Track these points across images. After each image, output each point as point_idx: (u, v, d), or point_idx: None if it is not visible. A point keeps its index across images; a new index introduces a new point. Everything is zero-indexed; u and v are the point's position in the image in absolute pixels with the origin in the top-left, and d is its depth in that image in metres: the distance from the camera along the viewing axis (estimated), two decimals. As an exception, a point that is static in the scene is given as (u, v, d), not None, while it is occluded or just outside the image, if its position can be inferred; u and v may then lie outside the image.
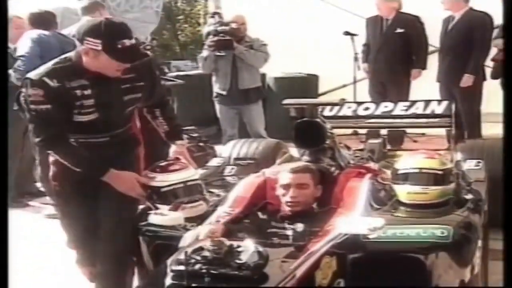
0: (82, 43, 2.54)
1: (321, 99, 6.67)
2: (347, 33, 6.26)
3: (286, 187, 2.74)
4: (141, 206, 2.82)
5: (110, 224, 2.70)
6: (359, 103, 4.62)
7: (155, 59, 5.33)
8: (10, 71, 4.55)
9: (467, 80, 5.50)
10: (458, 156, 3.79)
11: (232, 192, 2.96)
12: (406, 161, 2.94)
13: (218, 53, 5.44)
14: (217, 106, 5.70)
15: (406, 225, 2.47)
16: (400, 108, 4.38)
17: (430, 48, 6.08)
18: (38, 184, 5.26)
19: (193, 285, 1.95)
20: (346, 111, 4.40)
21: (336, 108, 4.35)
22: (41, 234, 4.26)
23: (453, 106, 4.29)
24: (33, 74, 2.60)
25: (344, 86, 7.03)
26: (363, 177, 3.02)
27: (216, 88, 5.62)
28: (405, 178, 2.83)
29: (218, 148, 4.87)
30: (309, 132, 3.23)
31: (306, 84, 7.26)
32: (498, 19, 5.09)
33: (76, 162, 2.64)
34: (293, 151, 3.63)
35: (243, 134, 5.64)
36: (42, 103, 2.54)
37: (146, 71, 2.78)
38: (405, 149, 4.84)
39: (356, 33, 6.27)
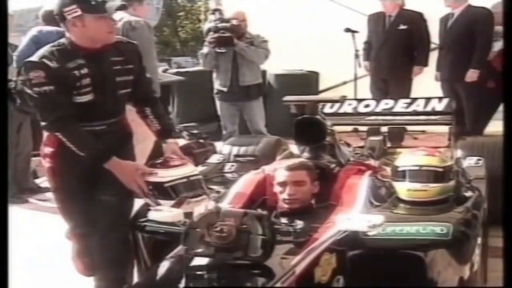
0: (64, 18, 2.59)
1: (322, 96, 6.66)
2: (348, 30, 6.25)
3: (283, 184, 2.74)
4: (140, 202, 2.83)
5: (109, 216, 2.71)
6: (360, 100, 4.63)
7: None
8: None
9: (471, 75, 5.47)
10: (459, 153, 3.78)
11: (232, 189, 2.96)
12: (406, 159, 2.94)
13: (219, 50, 5.44)
14: (218, 103, 5.69)
15: (406, 222, 2.47)
16: (400, 105, 4.39)
17: (432, 46, 6.07)
18: (37, 180, 5.27)
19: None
20: (346, 108, 4.41)
21: (337, 105, 4.35)
22: (41, 231, 4.26)
23: (454, 104, 4.29)
24: (32, 57, 2.62)
25: (345, 83, 7.02)
26: (363, 174, 3.02)
27: (217, 85, 5.61)
28: (405, 175, 2.83)
29: (218, 145, 4.87)
30: (309, 129, 3.23)
31: (307, 81, 7.26)
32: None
33: (82, 146, 2.65)
34: (294, 148, 3.62)
35: (244, 131, 5.64)
36: (45, 85, 2.56)
37: (134, 56, 2.83)
38: (405, 147, 4.84)
39: (357, 30, 6.25)
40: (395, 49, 5.91)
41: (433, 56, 5.94)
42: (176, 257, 2.30)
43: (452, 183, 2.85)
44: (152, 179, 2.71)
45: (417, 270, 2.34)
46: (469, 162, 3.53)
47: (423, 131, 6.21)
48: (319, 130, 3.25)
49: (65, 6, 2.57)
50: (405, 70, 5.94)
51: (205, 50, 5.55)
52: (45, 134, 2.81)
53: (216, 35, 5.41)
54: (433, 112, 4.28)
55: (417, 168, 2.83)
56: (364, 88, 6.19)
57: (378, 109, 4.40)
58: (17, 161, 5.11)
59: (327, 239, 2.35)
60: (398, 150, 4.24)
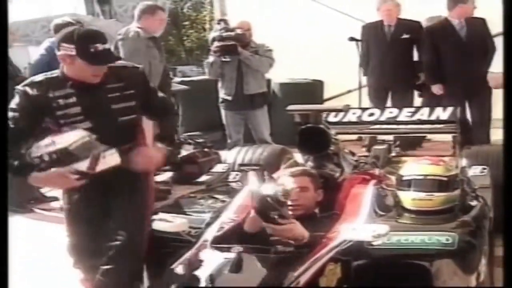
0: (59, 50, 2.59)
1: (325, 105, 6.66)
2: (352, 39, 6.25)
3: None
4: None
5: (122, 218, 2.66)
6: (364, 109, 4.62)
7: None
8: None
9: (496, 79, 5.30)
10: (463, 162, 3.77)
11: (236, 200, 2.95)
12: (411, 168, 2.93)
13: (224, 59, 5.46)
14: (223, 112, 5.70)
15: (411, 232, 2.46)
16: (405, 114, 4.38)
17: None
18: (43, 189, 5.27)
19: None
20: (350, 117, 4.41)
21: (341, 114, 4.35)
22: (46, 240, 4.26)
23: (458, 112, 4.28)
24: (20, 84, 2.63)
25: (349, 92, 7.02)
26: (367, 184, 3.02)
27: (222, 94, 5.63)
28: (410, 184, 2.83)
29: (223, 154, 4.87)
30: (313, 138, 3.23)
31: (311, 90, 7.26)
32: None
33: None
34: (298, 157, 3.62)
35: (248, 140, 5.64)
36: (14, 111, 2.54)
37: (137, 80, 2.76)
38: (410, 155, 4.83)
39: (361, 39, 6.26)
40: (398, 58, 5.91)
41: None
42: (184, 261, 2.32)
43: (457, 192, 2.84)
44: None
45: (423, 280, 2.33)
46: (474, 171, 3.52)
47: (429, 139, 6.21)
48: (323, 139, 3.25)
49: (64, 41, 2.57)
50: (409, 79, 5.94)
51: (210, 59, 5.57)
52: None
53: (220, 44, 5.43)
54: (438, 121, 4.28)
55: (422, 177, 2.82)
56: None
57: (382, 118, 4.39)
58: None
59: (331, 249, 2.34)
60: (403, 159, 4.23)
